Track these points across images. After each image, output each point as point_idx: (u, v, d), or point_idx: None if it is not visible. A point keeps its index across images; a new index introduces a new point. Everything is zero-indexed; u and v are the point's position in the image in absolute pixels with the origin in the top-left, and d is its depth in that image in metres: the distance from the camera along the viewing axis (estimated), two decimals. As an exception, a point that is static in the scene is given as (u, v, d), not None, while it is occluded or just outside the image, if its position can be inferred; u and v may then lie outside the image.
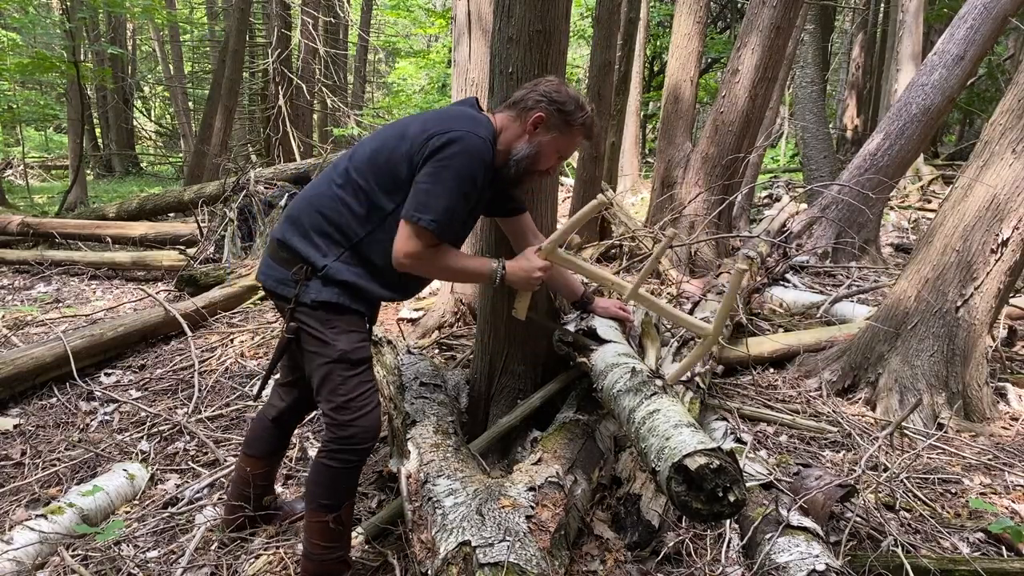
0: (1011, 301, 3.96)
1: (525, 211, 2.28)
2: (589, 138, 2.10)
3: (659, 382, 2.03)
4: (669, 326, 3.31)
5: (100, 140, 19.64)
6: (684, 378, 2.74)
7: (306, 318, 1.97)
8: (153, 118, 24.81)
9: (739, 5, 15.98)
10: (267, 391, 2.54)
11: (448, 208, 1.87)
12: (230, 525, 2.35)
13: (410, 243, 1.89)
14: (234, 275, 5.28)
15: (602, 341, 2.39)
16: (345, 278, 1.95)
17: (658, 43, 16.07)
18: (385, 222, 1.95)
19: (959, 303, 3.09)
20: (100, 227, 7.28)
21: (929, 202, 9.84)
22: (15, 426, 3.27)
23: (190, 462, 2.94)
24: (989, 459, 2.80)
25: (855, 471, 2.48)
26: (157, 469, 2.86)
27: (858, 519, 2.22)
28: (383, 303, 2.14)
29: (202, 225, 6.46)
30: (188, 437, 3.14)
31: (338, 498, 2.00)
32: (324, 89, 13.20)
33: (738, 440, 2.59)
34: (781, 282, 5.04)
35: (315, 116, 13.89)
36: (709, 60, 15.67)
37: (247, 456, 2.33)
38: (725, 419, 2.92)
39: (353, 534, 2.21)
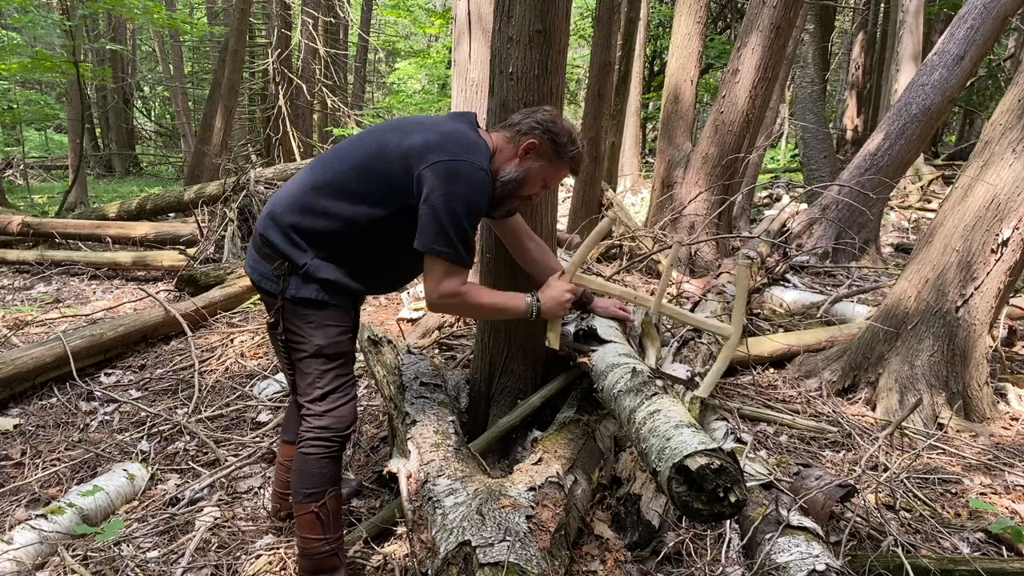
0: (1011, 301, 3.96)
1: (515, 213, 2.29)
2: (575, 173, 2.15)
3: (659, 382, 2.03)
4: (669, 326, 3.31)
5: (100, 140, 19.65)
6: (684, 378, 2.74)
7: (286, 312, 2.00)
8: (153, 118, 24.81)
9: (739, 5, 15.98)
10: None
11: (466, 240, 1.93)
12: (276, 512, 2.41)
13: (447, 283, 1.94)
14: (234, 275, 5.28)
15: (602, 341, 2.39)
16: (325, 275, 1.96)
17: (658, 43, 16.08)
18: (369, 228, 1.95)
19: (959, 303, 3.09)
20: (100, 227, 7.26)
21: (929, 202, 9.85)
22: (15, 426, 3.26)
23: (190, 462, 2.94)
24: (989, 459, 2.81)
25: (855, 471, 2.49)
26: (157, 469, 2.86)
27: (858, 519, 2.22)
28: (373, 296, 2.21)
29: (202, 225, 6.45)
30: (188, 437, 3.14)
31: (321, 485, 2.02)
32: (324, 89, 13.19)
33: (738, 440, 2.59)
34: (781, 282, 5.04)
35: (315, 116, 13.87)
36: (709, 60, 15.67)
37: (284, 443, 2.38)
38: (725, 419, 2.92)
39: (353, 535, 2.21)
